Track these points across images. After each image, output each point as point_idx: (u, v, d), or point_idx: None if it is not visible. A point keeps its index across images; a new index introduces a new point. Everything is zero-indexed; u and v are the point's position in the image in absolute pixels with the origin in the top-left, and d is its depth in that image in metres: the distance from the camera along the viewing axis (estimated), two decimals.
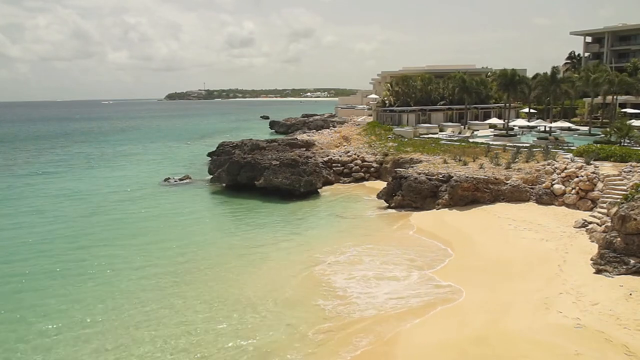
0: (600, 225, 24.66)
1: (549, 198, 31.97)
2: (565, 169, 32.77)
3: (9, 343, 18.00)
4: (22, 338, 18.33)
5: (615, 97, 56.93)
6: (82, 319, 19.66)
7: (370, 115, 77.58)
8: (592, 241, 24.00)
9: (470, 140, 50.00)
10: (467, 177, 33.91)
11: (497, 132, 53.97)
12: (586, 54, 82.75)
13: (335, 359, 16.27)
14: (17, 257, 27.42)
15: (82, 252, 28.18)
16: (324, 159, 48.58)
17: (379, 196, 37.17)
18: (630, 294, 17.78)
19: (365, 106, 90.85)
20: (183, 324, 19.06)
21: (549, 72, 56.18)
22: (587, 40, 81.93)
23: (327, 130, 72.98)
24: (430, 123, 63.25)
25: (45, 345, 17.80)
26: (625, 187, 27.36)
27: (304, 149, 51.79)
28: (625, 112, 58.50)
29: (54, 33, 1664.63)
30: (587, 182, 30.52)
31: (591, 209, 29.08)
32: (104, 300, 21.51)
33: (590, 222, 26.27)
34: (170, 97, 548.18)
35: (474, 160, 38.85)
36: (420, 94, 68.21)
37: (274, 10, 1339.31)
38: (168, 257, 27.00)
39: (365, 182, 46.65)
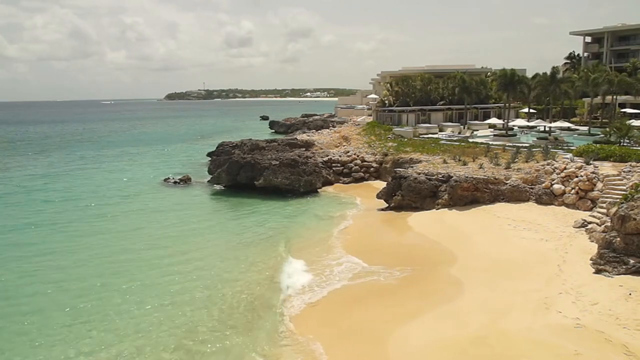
0: (600, 225, 24.65)
1: (548, 198, 31.97)
2: (565, 169, 32.76)
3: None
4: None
5: (614, 97, 56.94)
6: (73, 320, 19.71)
7: (370, 115, 77.56)
8: (592, 241, 23.99)
9: (470, 140, 49.99)
10: (467, 177, 33.90)
11: (497, 132, 53.94)
12: (586, 54, 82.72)
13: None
14: (14, 260, 27.31)
15: (80, 254, 28.13)
16: (324, 159, 48.56)
17: (378, 196, 37.14)
18: (630, 294, 17.79)
19: (364, 106, 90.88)
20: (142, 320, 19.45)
21: (548, 72, 56.22)
22: (586, 40, 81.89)
23: (327, 130, 72.90)
24: (429, 123, 63.19)
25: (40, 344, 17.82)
26: (624, 187, 27.34)
27: (304, 149, 51.75)
28: (624, 112, 58.51)
29: (51, 33, 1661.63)
30: (587, 182, 30.50)
31: (591, 209, 29.07)
32: (98, 297, 21.54)
33: (590, 222, 26.26)
34: (170, 97, 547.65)
35: (473, 160, 38.83)
36: (420, 94, 68.19)
37: (271, 9, 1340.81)
38: (158, 257, 27.02)
39: (365, 182, 46.63)
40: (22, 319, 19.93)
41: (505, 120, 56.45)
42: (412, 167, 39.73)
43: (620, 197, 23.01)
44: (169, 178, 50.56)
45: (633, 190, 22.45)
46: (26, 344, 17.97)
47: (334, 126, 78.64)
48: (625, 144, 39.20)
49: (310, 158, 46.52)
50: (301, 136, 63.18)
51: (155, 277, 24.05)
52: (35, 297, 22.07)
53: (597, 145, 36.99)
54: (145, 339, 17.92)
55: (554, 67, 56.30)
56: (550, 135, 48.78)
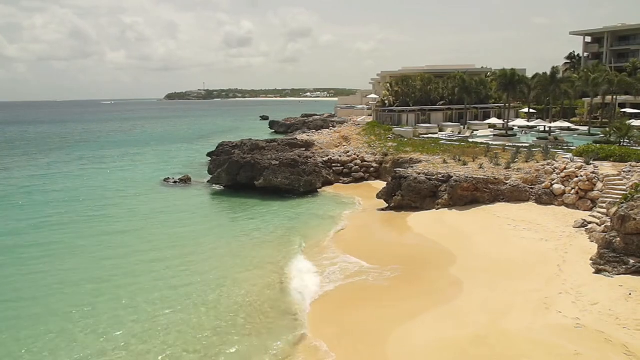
0: (600, 225, 24.66)
1: (548, 198, 31.97)
2: (565, 169, 32.77)
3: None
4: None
5: (614, 97, 56.95)
6: (76, 322, 19.67)
7: (370, 115, 77.57)
8: (592, 241, 24.00)
9: (470, 140, 49.99)
10: (467, 177, 33.90)
11: (497, 132, 53.93)
12: (586, 54, 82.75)
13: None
14: (14, 261, 27.28)
15: (80, 255, 28.11)
16: (324, 159, 48.56)
17: (378, 196, 37.14)
18: (630, 294, 17.80)
19: (364, 106, 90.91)
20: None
21: (548, 72, 56.23)
22: (586, 40, 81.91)
23: (327, 130, 72.89)
24: (429, 123, 63.21)
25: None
26: (624, 187, 27.36)
27: (304, 149, 51.75)
28: (624, 112, 58.53)
29: (51, 33, 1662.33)
30: (587, 182, 30.51)
31: (591, 209, 29.08)
32: (100, 299, 21.54)
33: (590, 222, 26.27)
34: (170, 97, 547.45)
35: (473, 160, 38.83)
36: (420, 94, 68.21)
37: (271, 9, 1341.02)
38: (159, 258, 27.03)
39: (365, 182, 46.62)
40: (23, 320, 19.91)
41: (505, 120, 56.44)
42: (412, 167, 39.73)
43: (620, 197, 23.01)
44: (169, 178, 50.54)
45: (633, 190, 22.46)
46: (28, 345, 17.94)
47: (334, 126, 78.63)
48: (625, 144, 39.20)
49: (310, 158, 46.52)
50: (301, 136, 63.18)
51: (156, 278, 23.99)
52: (36, 299, 22.03)
53: (597, 145, 36.99)
54: (151, 342, 17.84)
55: (554, 67, 56.35)
56: (550, 135, 48.77)
